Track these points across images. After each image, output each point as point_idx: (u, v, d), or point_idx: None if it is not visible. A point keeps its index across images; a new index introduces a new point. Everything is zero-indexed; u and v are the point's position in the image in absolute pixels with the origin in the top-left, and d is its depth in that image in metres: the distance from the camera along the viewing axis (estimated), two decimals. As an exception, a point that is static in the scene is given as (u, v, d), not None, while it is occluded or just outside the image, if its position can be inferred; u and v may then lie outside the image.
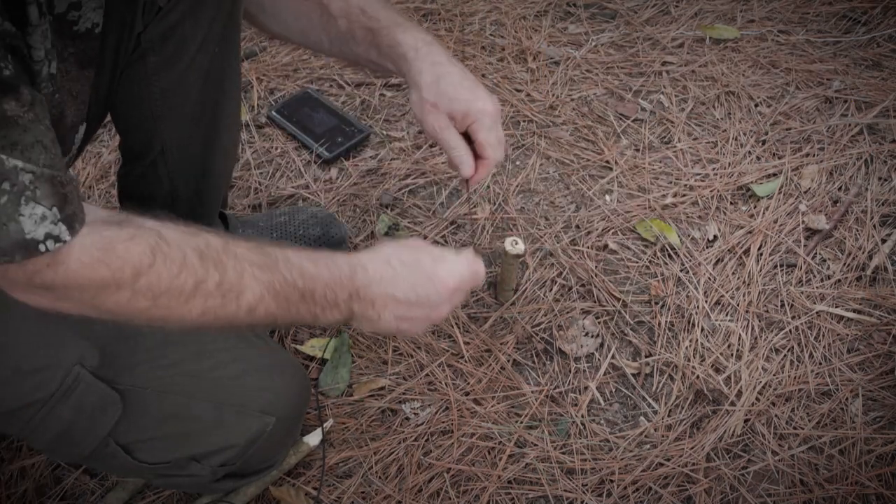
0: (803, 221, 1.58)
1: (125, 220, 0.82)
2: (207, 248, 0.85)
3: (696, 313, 1.44)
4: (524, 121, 1.76)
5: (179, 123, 1.18)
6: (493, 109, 1.12)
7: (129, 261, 0.79)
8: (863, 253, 1.53)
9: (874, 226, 1.57)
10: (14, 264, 0.73)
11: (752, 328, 1.43)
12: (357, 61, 1.19)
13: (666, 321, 1.44)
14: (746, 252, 1.53)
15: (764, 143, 1.73)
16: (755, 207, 1.61)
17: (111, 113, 1.19)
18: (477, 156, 1.15)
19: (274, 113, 1.76)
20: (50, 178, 0.72)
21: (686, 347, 1.40)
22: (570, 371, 1.38)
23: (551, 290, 1.47)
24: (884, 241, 1.55)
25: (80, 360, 0.96)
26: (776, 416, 1.32)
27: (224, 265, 0.85)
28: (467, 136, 1.15)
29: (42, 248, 0.72)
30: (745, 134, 1.75)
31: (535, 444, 1.29)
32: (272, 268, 0.89)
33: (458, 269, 1.02)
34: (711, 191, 1.63)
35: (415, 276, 0.99)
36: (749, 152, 1.71)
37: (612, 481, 1.25)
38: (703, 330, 1.43)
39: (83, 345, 0.96)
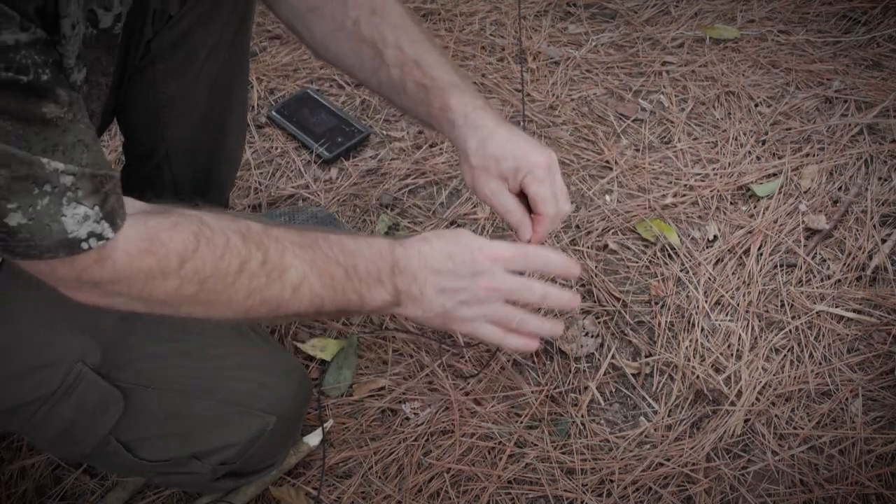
0: (803, 221, 1.58)
1: (166, 210, 0.83)
2: (248, 231, 0.86)
3: (696, 313, 1.44)
4: (524, 121, 1.76)
5: (186, 129, 1.18)
6: (546, 161, 1.05)
7: (173, 248, 0.80)
8: (863, 253, 1.53)
9: (874, 226, 1.58)
10: (61, 262, 0.74)
11: (752, 328, 1.43)
12: (404, 110, 1.14)
13: (666, 321, 1.44)
14: (746, 252, 1.54)
15: (764, 143, 1.73)
16: (755, 207, 1.61)
17: (116, 116, 1.19)
18: (534, 212, 1.08)
19: (274, 113, 1.76)
20: (91, 178, 0.73)
21: (686, 347, 1.40)
22: (570, 371, 1.38)
23: (551, 289, 1.47)
24: (884, 241, 1.55)
25: (82, 357, 0.96)
26: (776, 416, 1.32)
27: (266, 246, 0.86)
28: (525, 196, 1.08)
29: (85, 245, 0.74)
30: (745, 134, 1.75)
31: (535, 444, 1.29)
32: (313, 246, 0.90)
33: (499, 243, 1.00)
34: (711, 191, 1.63)
35: (450, 246, 0.98)
36: (749, 152, 1.71)
37: (612, 481, 1.25)
38: (703, 330, 1.43)
39: (85, 342, 0.96)
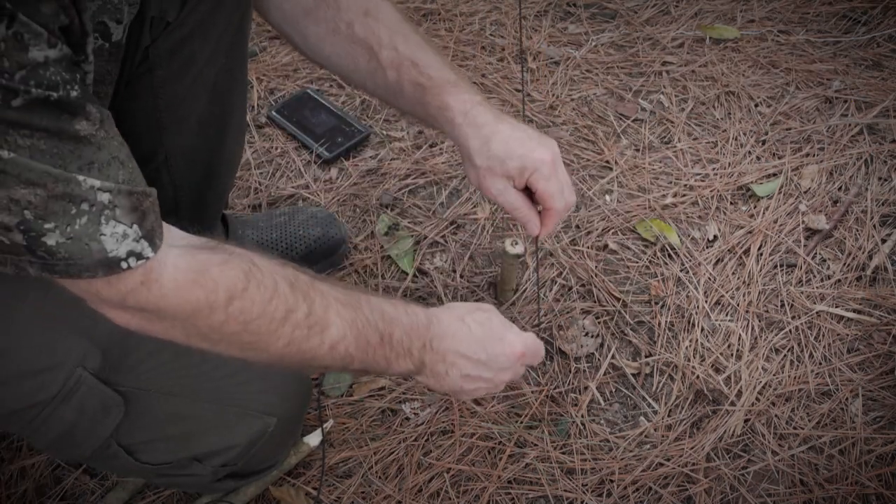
0: (803, 221, 1.58)
1: (217, 246, 0.83)
2: (296, 280, 0.86)
3: (696, 313, 1.44)
4: (524, 121, 1.76)
5: (185, 134, 1.17)
6: (550, 157, 1.06)
7: (223, 283, 0.79)
8: (863, 253, 1.53)
9: (874, 226, 1.58)
10: (105, 284, 0.74)
11: (752, 328, 1.43)
12: (403, 111, 1.13)
13: (666, 321, 1.44)
14: (746, 252, 1.54)
15: (764, 143, 1.73)
16: (755, 207, 1.61)
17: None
18: (542, 206, 1.11)
19: (274, 113, 1.76)
20: (128, 195, 0.72)
21: (686, 347, 1.40)
22: (570, 371, 1.38)
23: (551, 290, 1.47)
24: (884, 241, 1.55)
25: (82, 362, 0.96)
26: (776, 416, 1.32)
27: (312, 298, 0.86)
28: (531, 191, 1.10)
29: (124, 265, 0.73)
30: (745, 134, 1.75)
31: (535, 444, 1.29)
32: (356, 307, 0.91)
33: (526, 336, 1.05)
34: (711, 191, 1.63)
35: (486, 336, 1.01)
36: (749, 152, 1.71)
37: (612, 481, 1.25)
38: (703, 330, 1.43)
39: (85, 346, 0.96)
